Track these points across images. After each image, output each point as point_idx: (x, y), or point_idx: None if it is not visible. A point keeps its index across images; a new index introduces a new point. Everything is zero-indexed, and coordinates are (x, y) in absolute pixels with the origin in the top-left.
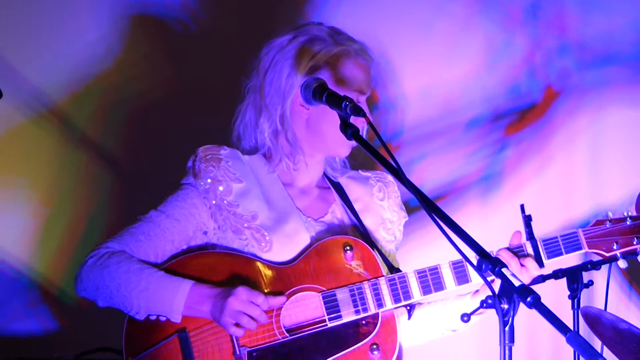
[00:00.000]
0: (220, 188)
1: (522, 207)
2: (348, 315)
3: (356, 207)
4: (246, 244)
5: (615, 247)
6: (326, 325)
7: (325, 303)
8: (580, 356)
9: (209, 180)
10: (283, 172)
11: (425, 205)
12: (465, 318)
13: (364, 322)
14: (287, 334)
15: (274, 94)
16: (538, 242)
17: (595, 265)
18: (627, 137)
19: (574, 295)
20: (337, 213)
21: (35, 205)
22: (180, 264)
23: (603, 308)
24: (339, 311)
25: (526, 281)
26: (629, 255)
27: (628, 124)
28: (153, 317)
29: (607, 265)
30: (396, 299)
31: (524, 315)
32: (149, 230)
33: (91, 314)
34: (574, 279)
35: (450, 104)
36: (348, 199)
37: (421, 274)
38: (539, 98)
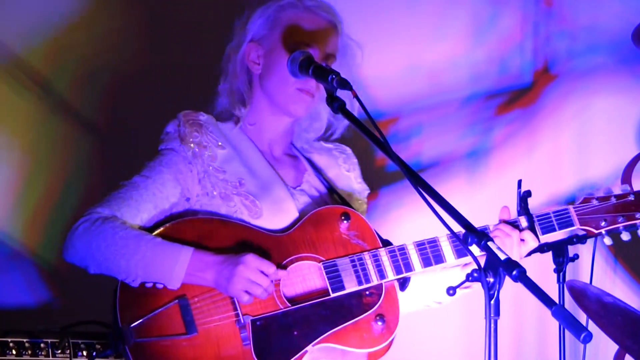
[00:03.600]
0: (207, 153)
1: (519, 182)
2: (351, 286)
3: (328, 175)
4: (235, 210)
5: (603, 225)
6: (329, 295)
7: (327, 273)
8: (566, 329)
9: (195, 146)
10: (256, 138)
11: (411, 179)
12: (451, 291)
13: (367, 292)
14: (289, 304)
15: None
16: (533, 218)
17: (581, 239)
18: (613, 121)
19: (560, 269)
20: (312, 182)
21: (10, 170)
22: (174, 230)
23: (588, 282)
24: (341, 281)
25: (524, 254)
26: (614, 230)
27: (614, 111)
28: (149, 285)
29: (593, 239)
30: (398, 270)
31: (510, 289)
32: (137, 196)
33: (70, 283)
34: (560, 252)
35: (438, 81)
36: (319, 168)
37: (420, 246)
38: (530, 80)
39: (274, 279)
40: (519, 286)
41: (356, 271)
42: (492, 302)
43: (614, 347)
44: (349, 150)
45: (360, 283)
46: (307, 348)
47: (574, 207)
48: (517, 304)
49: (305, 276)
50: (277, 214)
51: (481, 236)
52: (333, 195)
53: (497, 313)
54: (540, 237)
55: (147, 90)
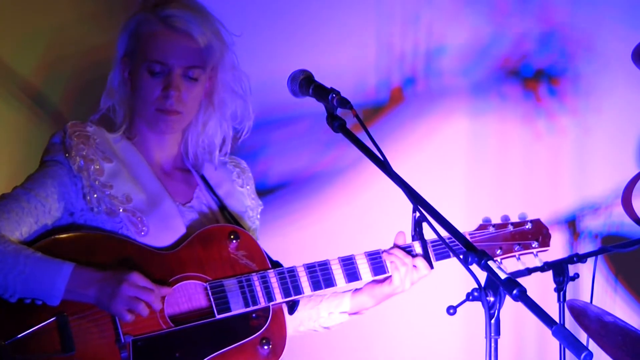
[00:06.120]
0: (94, 167)
1: (414, 207)
2: (237, 308)
3: (219, 192)
4: (120, 226)
5: (498, 253)
6: (214, 317)
7: (213, 294)
8: (566, 349)
9: (80, 159)
10: (143, 152)
11: (412, 199)
12: (452, 311)
13: (254, 315)
14: (172, 324)
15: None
16: (427, 244)
17: (582, 258)
18: (613, 140)
19: (560, 288)
20: (202, 198)
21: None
22: (56, 244)
23: (589, 301)
24: (227, 303)
25: (415, 281)
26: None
27: (614, 129)
28: (28, 301)
29: (593, 258)
30: (286, 293)
31: (510, 308)
32: (17, 208)
33: None
34: (560, 271)
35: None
36: (211, 184)
37: (311, 269)
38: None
39: (157, 296)
40: (520, 305)
41: (243, 293)
42: (493, 321)
43: None
44: (243, 163)
45: (247, 305)
46: None
47: (469, 234)
48: (517, 323)
49: (190, 296)
50: (163, 231)
51: (481, 256)
52: (224, 212)
53: (498, 332)
54: (434, 262)
55: None
